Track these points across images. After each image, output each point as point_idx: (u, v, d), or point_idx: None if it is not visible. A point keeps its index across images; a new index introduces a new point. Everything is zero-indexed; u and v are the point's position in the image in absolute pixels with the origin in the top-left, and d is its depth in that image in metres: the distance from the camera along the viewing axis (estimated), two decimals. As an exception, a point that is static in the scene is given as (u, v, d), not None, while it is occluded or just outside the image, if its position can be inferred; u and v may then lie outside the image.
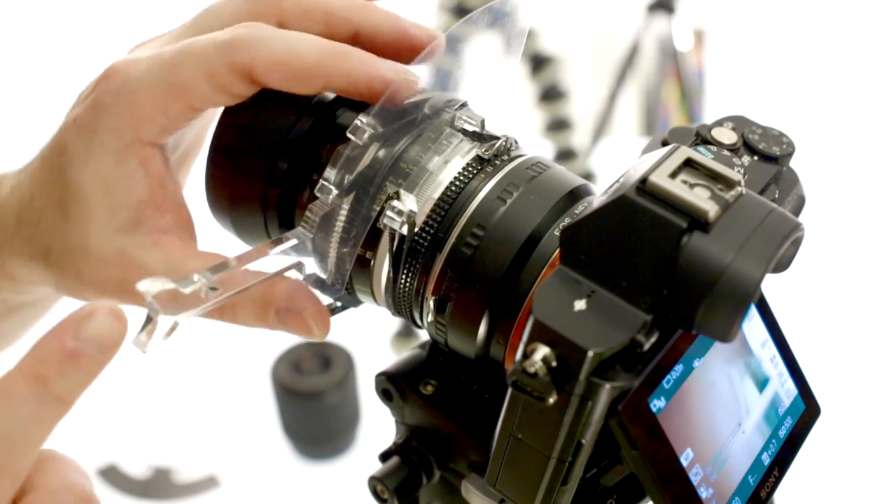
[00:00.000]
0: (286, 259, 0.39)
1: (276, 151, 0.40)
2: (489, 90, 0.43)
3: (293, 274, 0.40)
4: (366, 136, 0.38)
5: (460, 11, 1.03)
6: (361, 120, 0.38)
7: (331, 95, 0.41)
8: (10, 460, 0.29)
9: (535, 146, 1.05)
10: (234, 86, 0.38)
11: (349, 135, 0.38)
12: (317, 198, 0.38)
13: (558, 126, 1.12)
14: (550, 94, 1.11)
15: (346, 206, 0.38)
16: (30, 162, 0.43)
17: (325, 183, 0.38)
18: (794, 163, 0.40)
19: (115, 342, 0.30)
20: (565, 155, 1.13)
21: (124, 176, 0.39)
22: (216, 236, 0.51)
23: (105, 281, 0.41)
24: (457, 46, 0.43)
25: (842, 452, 0.89)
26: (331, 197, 0.38)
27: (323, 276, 0.41)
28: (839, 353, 0.99)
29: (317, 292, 0.41)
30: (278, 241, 0.38)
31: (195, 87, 0.38)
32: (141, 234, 0.40)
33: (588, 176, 1.11)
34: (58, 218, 0.40)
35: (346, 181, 0.38)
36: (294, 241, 0.38)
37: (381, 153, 0.38)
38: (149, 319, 0.33)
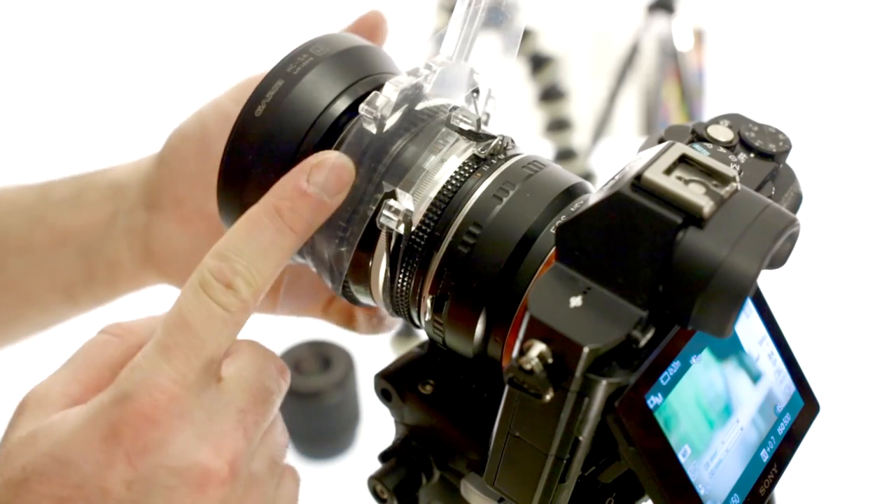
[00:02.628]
0: None
1: (287, 165, 0.39)
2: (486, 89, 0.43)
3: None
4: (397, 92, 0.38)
5: (460, 12, 1.03)
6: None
7: (342, 107, 0.40)
8: (258, 272, 0.35)
9: (535, 146, 1.05)
10: None
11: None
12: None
13: (558, 126, 1.12)
14: (550, 94, 1.11)
15: (399, 113, 0.39)
16: None
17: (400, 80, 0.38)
18: (793, 161, 0.40)
19: (338, 189, 0.37)
20: (565, 155, 1.12)
21: None
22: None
23: None
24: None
25: (842, 449, 0.89)
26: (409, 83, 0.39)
27: (321, 276, 0.41)
28: (838, 350, 0.99)
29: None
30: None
31: None
32: None
33: (588, 176, 1.11)
34: None
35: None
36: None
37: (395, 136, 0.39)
38: None
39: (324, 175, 0.37)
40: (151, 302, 0.52)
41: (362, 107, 0.38)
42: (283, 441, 0.39)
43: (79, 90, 1.57)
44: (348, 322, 0.51)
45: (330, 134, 0.40)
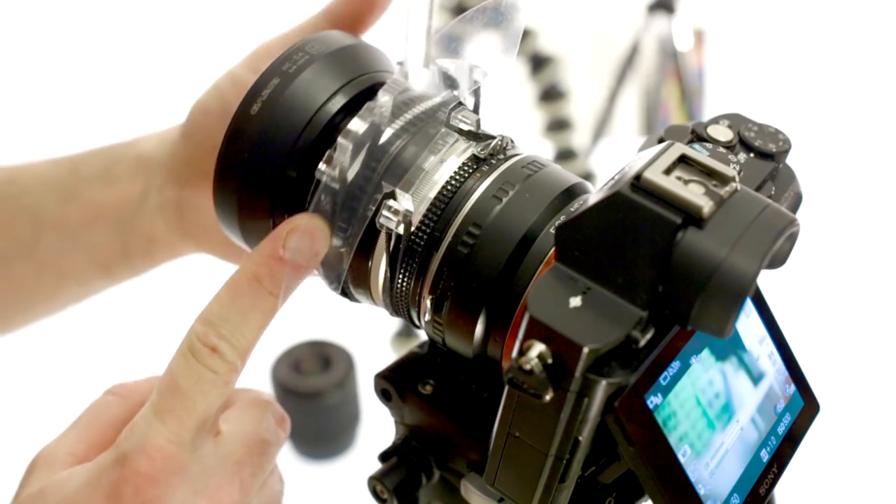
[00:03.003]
0: None
1: (283, 163, 0.39)
2: (485, 89, 0.43)
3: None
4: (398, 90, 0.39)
5: (460, 12, 1.03)
6: (350, 129, 0.38)
7: (337, 105, 0.40)
8: (241, 336, 0.37)
9: (536, 146, 1.05)
10: None
11: (340, 140, 0.38)
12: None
13: (558, 126, 1.12)
14: (550, 94, 1.11)
15: (357, 166, 0.39)
16: None
17: (352, 129, 0.38)
18: (793, 161, 0.40)
19: (313, 251, 0.38)
20: (565, 155, 1.12)
21: None
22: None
23: None
24: (453, 46, 0.43)
25: (842, 449, 0.89)
26: (362, 130, 0.38)
27: (320, 276, 0.41)
28: (838, 350, 0.99)
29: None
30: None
31: None
32: None
33: (588, 176, 1.10)
34: None
35: (345, 179, 0.38)
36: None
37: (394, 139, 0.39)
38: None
39: (297, 240, 0.38)
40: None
41: (319, 169, 0.38)
42: (280, 489, 0.42)
43: (84, 69, 1.58)
44: None
45: (325, 132, 0.40)
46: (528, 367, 0.30)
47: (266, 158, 0.39)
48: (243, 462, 0.38)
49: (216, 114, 0.49)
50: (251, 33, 0.54)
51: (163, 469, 0.35)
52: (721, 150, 0.38)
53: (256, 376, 0.95)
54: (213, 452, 0.37)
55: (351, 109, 0.40)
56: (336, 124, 0.40)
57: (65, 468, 0.38)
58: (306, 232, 0.38)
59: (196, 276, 0.70)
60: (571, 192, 0.39)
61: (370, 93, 0.41)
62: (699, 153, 0.33)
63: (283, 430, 0.41)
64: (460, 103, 0.42)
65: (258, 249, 0.38)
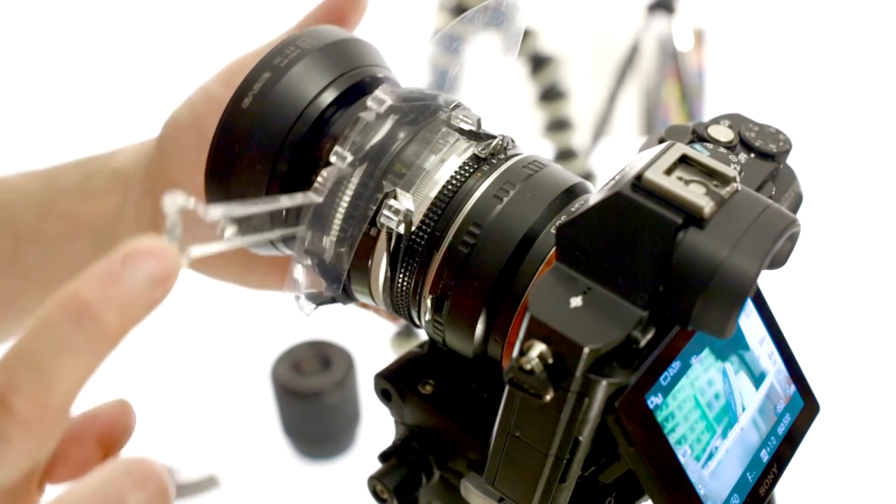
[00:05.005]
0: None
1: (274, 154, 0.40)
2: (486, 89, 0.43)
3: (300, 258, 0.41)
4: (385, 105, 0.38)
5: (460, 11, 1.03)
6: (378, 95, 0.38)
7: (328, 98, 0.41)
8: (46, 386, 0.26)
9: (536, 146, 1.05)
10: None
11: (369, 103, 0.38)
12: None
13: (558, 126, 1.12)
14: (550, 94, 1.11)
15: (356, 178, 0.38)
16: None
17: (340, 149, 0.38)
18: (794, 161, 0.40)
19: (164, 278, 0.27)
20: (565, 155, 1.12)
21: None
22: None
23: None
24: (454, 45, 0.43)
25: (842, 449, 0.89)
26: (345, 163, 0.38)
27: (320, 275, 0.41)
28: (838, 350, 0.99)
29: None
30: (293, 197, 0.38)
31: None
32: None
33: (588, 176, 1.10)
34: None
35: (363, 148, 0.38)
36: (301, 199, 0.39)
37: (398, 130, 0.39)
38: (170, 231, 0.30)
39: (141, 262, 0.27)
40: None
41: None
42: None
43: (69, 74, 1.58)
44: None
45: (316, 126, 0.40)
46: (528, 366, 0.30)
47: (257, 152, 0.40)
48: None
49: (189, 128, 0.49)
50: (228, 50, 0.54)
51: None
52: (722, 150, 0.38)
53: (257, 377, 0.95)
54: None
55: (342, 103, 0.40)
56: (327, 118, 0.40)
57: None
58: (151, 251, 0.27)
59: (193, 282, 0.70)
60: (572, 192, 0.39)
61: (361, 87, 0.41)
62: (700, 153, 0.33)
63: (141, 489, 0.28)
64: (461, 103, 0.42)
65: (87, 272, 0.27)
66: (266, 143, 0.40)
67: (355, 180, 0.38)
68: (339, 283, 0.40)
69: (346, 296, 0.42)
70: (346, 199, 0.39)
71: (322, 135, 0.40)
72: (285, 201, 0.38)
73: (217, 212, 0.32)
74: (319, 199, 0.39)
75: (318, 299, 0.41)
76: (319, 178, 0.39)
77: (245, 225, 0.35)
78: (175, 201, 0.29)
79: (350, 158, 0.38)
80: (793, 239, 0.34)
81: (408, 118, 0.39)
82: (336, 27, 0.44)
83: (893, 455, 0.91)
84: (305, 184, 0.40)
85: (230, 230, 0.34)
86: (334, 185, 0.39)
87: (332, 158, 0.38)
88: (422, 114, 0.40)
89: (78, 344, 0.26)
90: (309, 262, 0.42)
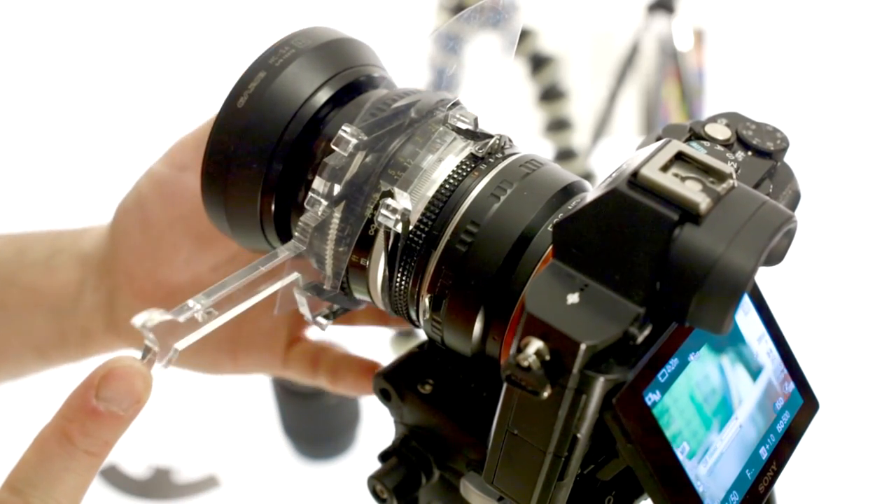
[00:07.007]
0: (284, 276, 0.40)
1: (269, 155, 0.40)
2: (484, 88, 0.43)
3: (293, 286, 0.41)
4: (350, 146, 0.38)
5: (460, 11, 1.03)
6: (345, 130, 0.38)
7: (323, 98, 0.41)
8: (55, 501, 0.32)
9: (535, 146, 1.05)
10: None
11: (333, 146, 0.38)
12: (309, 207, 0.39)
13: (558, 126, 1.12)
14: (550, 94, 1.11)
15: (337, 215, 0.39)
16: None
17: (314, 195, 0.38)
18: (792, 159, 0.40)
19: (134, 399, 0.34)
20: (565, 155, 1.12)
21: None
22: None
23: None
24: (451, 45, 0.44)
25: (841, 447, 0.89)
26: (321, 208, 0.38)
27: (321, 276, 0.41)
28: (836, 348, 0.99)
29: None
30: (272, 257, 0.39)
31: None
32: None
33: (588, 176, 1.10)
34: None
35: (335, 191, 0.38)
36: (287, 254, 0.39)
37: (369, 159, 0.39)
38: (147, 350, 0.34)
39: (113, 387, 0.33)
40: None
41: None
42: None
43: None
44: (311, 372, 0.53)
45: (311, 125, 0.40)
46: (525, 363, 0.30)
47: (252, 150, 0.40)
48: None
49: (133, 212, 0.50)
50: (220, 60, 0.54)
51: None
52: (719, 148, 0.38)
53: (256, 377, 0.95)
54: None
55: (337, 103, 0.40)
56: (322, 118, 0.40)
57: None
58: (123, 377, 0.33)
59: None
60: (569, 190, 0.39)
61: (356, 86, 0.41)
62: (696, 150, 0.33)
63: None
64: (458, 102, 0.42)
65: (67, 401, 0.33)
66: (261, 142, 0.40)
67: (336, 217, 0.39)
68: (339, 283, 0.40)
69: (346, 295, 0.42)
70: (345, 199, 0.39)
71: (317, 134, 0.40)
72: (262, 269, 0.38)
73: (196, 306, 0.35)
74: (302, 248, 0.39)
75: (323, 295, 0.42)
76: (301, 224, 0.39)
77: (225, 302, 0.37)
78: (144, 322, 0.33)
79: (325, 203, 0.38)
80: (789, 235, 0.34)
81: (380, 143, 0.39)
82: (330, 28, 0.44)
83: (893, 454, 0.91)
84: (301, 183, 0.40)
85: (210, 315, 0.36)
86: (314, 230, 0.39)
87: (307, 205, 0.39)
88: (395, 133, 0.40)
89: (72, 469, 0.33)
90: (312, 261, 0.42)
